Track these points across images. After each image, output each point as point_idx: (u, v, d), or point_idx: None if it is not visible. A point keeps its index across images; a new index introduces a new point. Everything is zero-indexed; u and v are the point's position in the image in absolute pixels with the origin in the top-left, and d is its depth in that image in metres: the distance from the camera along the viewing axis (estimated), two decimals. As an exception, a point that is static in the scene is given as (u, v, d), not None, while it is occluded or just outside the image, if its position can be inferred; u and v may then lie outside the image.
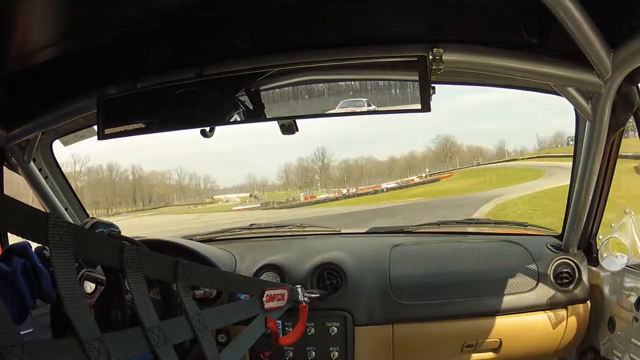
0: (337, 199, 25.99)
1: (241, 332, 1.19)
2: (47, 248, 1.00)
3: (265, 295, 1.25)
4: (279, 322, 1.55)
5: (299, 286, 1.49)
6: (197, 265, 1.01)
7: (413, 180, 29.26)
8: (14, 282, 0.90)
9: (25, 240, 0.94)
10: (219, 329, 1.65)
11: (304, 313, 1.48)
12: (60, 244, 0.64)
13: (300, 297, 1.46)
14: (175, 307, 1.11)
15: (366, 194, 26.52)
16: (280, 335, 1.46)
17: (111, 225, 1.24)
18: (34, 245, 0.97)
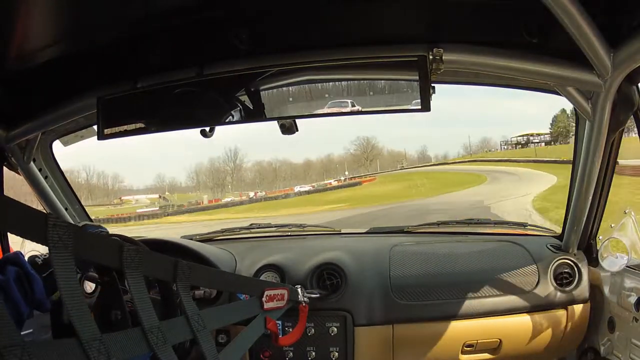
0: (241, 203, 23.67)
1: (241, 333, 1.19)
2: (40, 256, 1.02)
3: (264, 296, 1.25)
4: (279, 322, 1.55)
5: (299, 286, 1.49)
6: (197, 265, 1.01)
7: (331, 183, 26.67)
8: (8, 290, 0.91)
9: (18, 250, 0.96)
10: (219, 329, 1.65)
11: (303, 313, 1.48)
12: (60, 244, 0.64)
13: (300, 298, 1.46)
14: (175, 307, 1.11)
15: (276, 197, 24.22)
16: (280, 336, 1.46)
17: (99, 227, 1.25)
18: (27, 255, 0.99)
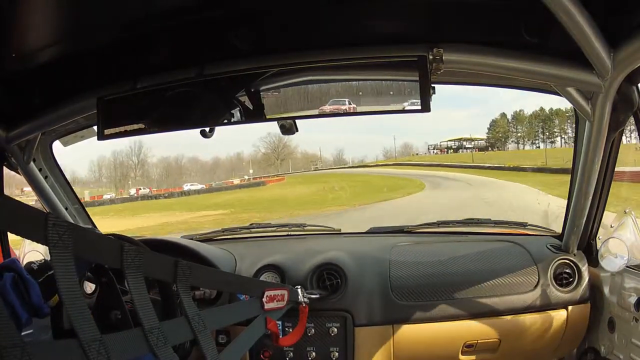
0: (112, 201, 21.71)
1: (241, 333, 1.19)
2: (35, 262, 1.03)
3: (265, 296, 1.25)
4: (279, 322, 1.55)
5: (299, 287, 1.49)
6: (197, 265, 1.01)
7: (232, 182, 24.62)
8: (5, 295, 0.92)
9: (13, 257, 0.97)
10: (219, 329, 1.65)
11: (304, 314, 1.48)
12: (60, 243, 0.64)
13: (300, 298, 1.46)
14: (175, 308, 1.11)
15: (156, 197, 22.37)
16: (281, 336, 1.46)
17: (95, 228, 1.25)
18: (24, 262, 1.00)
